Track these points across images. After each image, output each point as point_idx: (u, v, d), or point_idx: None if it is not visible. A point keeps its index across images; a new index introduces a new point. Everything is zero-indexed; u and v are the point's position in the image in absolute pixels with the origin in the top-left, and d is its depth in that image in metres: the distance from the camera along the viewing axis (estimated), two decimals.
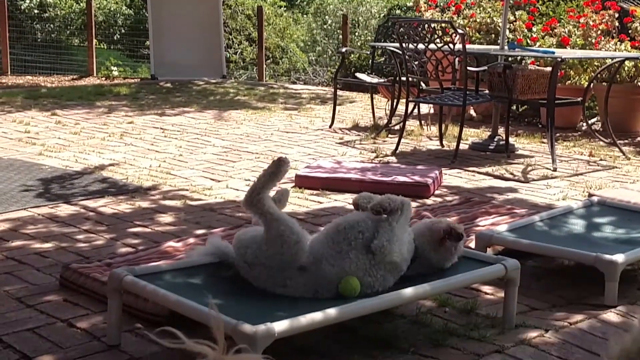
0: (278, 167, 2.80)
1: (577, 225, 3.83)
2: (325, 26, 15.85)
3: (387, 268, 2.76)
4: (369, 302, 2.70)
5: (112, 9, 15.75)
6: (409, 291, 2.76)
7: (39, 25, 15.18)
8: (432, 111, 8.17)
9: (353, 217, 2.85)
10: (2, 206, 4.53)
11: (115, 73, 13.05)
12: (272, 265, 2.74)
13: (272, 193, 2.91)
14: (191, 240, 3.79)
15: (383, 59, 9.92)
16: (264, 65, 12.34)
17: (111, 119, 7.84)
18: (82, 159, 5.94)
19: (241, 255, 2.82)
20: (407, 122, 6.74)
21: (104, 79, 12.02)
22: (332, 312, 2.54)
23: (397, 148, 6.43)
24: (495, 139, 6.72)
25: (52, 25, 15.31)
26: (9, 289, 3.29)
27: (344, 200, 4.86)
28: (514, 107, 8.08)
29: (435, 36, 6.31)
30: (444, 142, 6.81)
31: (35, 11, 15.19)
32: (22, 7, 14.94)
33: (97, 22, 13.51)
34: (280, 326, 2.39)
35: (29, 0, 15.10)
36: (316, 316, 2.50)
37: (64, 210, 4.51)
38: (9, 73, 12.23)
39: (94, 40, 12.35)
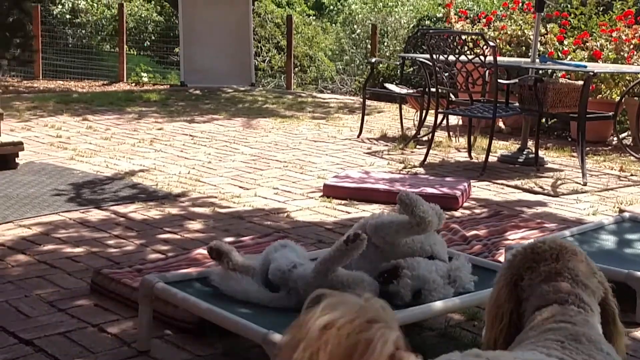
0: (356, 246, 2.65)
1: (608, 241, 3.80)
2: (353, 35, 15.89)
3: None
4: (398, 314, 2.69)
5: (142, 15, 15.92)
6: (438, 304, 2.75)
7: (71, 31, 15.38)
8: (460, 123, 8.14)
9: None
10: (35, 210, 4.59)
11: (145, 79, 13.17)
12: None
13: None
14: None
15: (412, 69, 9.93)
16: (292, 74, 12.38)
17: (141, 125, 7.91)
18: (113, 165, 6.00)
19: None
20: (435, 134, 6.72)
21: (133, 84, 12.14)
22: None
23: (425, 159, 6.42)
24: (525, 152, 6.68)
25: (83, 31, 15.51)
26: (41, 292, 3.33)
27: (372, 210, 4.85)
28: (543, 120, 8.02)
29: (466, 48, 6.29)
30: (473, 154, 6.78)
31: (67, 16, 15.39)
32: (55, 13, 15.14)
33: (127, 29, 13.65)
34: None
35: (62, 5, 15.30)
36: None
37: (94, 215, 4.56)
38: (41, 77, 12.40)
39: (125, 47, 12.48)
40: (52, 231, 4.21)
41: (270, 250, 2.91)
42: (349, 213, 4.80)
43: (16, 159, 5.79)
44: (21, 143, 5.87)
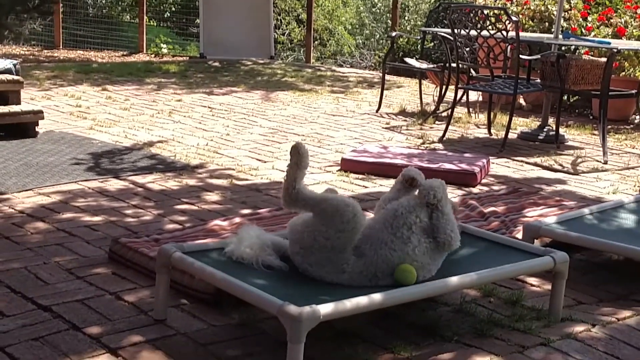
0: (299, 154, 2.76)
1: (627, 220, 3.77)
2: (374, 9, 15.75)
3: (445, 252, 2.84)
4: (415, 289, 2.69)
5: None
6: (454, 280, 2.75)
7: (91, 0, 15.36)
8: (480, 99, 8.08)
9: (407, 202, 2.86)
10: (54, 178, 4.61)
11: (165, 50, 13.16)
12: (333, 246, 2.70)
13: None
14: (237, 219, 3.82)
15: (432, 44, 9.84)
16: (312, 47, 12.32)
17: (160, 96, 7.92)
18: (132, 135, 6.01)
19: (297, 241, 2.77)
20: (455, 109, 6.68)
21: (153, 56, 12.13)
22: (377, 297, 2.54)
23: (444, 135, 6.38)
24: (545, 129, 6.62)
25: (103, 1, 15.48)
26: (60, 259, 3.36)
27: (389, 185, 4.82)
28: (565, 98, 7.94)
29: (488, 23, 6.22)
30: (492, 131, 6.73)
31: None
32: None
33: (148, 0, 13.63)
34: (326, 309, 2.40)
35: None
36: (361, 300, 2.50)
37: (113, 184, 4.58)
38: (61, 47, 12.43)
39: (145, 17, 12.46)
40: (71, 200, 4.23)
41: None
42: (366, 187, 4.79)
43: (36, 127, 5.82)
44: (41, 112, 5.89)
